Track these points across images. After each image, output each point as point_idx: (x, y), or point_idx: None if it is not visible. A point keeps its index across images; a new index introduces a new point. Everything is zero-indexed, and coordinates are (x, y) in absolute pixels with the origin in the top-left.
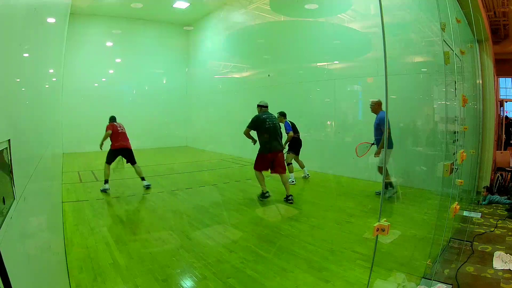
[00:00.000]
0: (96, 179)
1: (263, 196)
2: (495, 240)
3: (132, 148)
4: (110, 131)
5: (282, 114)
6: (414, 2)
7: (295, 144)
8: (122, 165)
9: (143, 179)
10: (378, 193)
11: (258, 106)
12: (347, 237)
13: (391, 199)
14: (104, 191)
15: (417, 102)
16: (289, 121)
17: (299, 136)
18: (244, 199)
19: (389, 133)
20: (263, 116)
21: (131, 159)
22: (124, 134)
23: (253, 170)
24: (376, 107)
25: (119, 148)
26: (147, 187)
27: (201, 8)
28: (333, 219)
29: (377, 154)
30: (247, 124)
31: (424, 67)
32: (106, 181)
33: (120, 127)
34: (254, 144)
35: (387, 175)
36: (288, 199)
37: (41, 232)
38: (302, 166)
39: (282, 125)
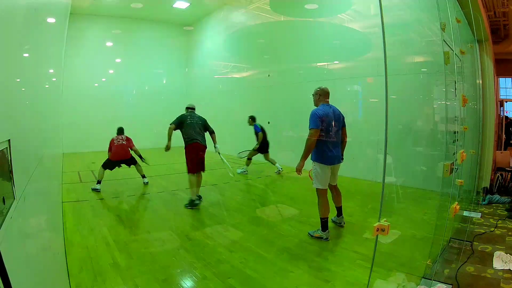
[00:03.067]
0: (96, 179)
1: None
2: (495, 240)
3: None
4: (110, 152)
5: (252, 118)
6: (414, 2)
7: (262, 144)
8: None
9: (143, 176)
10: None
11: (186, 108)
12: (347, 237)
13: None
14: (95, 190)
15: (417, 102)
16: (258, 124)
17: (265, 137)
18: (244, 199)
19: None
20: (186, 114)
21: (132, 163)
22: (121, 146)
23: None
24: (316, 97)
25: (117, 160)
26: (146, 183)
27: (201, 8)
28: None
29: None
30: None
31: (424, 67)
32: (98, 182)
33: (118, 139)
34: (167, 150)
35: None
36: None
37: (41, 232)
38: (274, 163)
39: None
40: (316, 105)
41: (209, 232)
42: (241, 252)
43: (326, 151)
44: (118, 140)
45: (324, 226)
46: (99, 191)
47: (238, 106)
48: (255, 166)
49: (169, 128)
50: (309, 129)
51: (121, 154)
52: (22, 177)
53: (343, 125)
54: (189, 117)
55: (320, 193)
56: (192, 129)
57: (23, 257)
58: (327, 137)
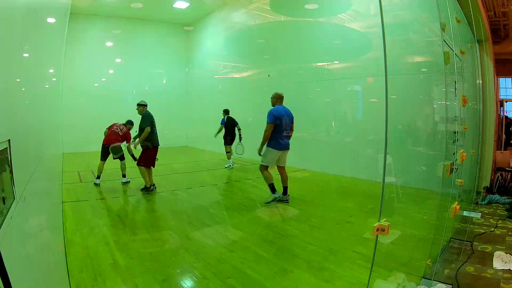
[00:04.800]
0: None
1: (147, 189)
2: (495, 240)
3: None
4: (106, 130)
5: (224, 111)
6: (414, 2)
7: (227, 135)
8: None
9: (124, 176)
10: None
11: (141, 105)
12: (347, 237)
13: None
14: (96, 185)
15: (417, 102)
16: (230, 117)
17: (233, 130)
18: (244, 199)
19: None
20: (151, 114)
21: (119, 157)
22: (115, 133)
23: (139, 167)
24: (274, 100)
25: (106, 145)
26: (125, 183)
27: (201, 8)
28: (333, 219)
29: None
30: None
31: (424, 67)
32: (98, 177)
33: (118, 127)
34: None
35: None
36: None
37: (41, 232)
38: (229, 157)
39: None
40: (273, 105)
41: (209, 232)
42: (241, 252)
43: (278, 140)
44: (117, 127)
45: (273, 188)
46: (99, 185)
47: (238, 106)
48: (256, 166)
49: (147, 131)
50: (266, 124)
51: (111, 139)
52: (22, 177)
53: (292, 122)
54: (153, 117)
55: (265, 169)
56: (156, 132)
57: (23, 257)
58: (280, 130)
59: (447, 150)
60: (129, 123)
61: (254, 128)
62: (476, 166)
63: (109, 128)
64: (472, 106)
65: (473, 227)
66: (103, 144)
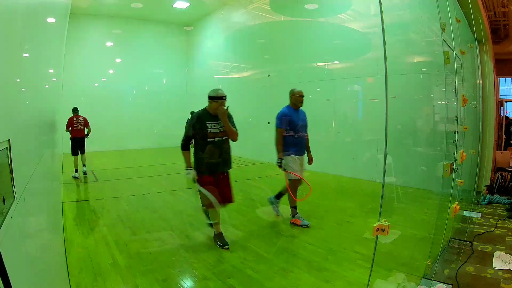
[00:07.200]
0: (96, 179)
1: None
2: (495, 240)
3: (85, 139)
4: (68, 130)
5: (191, 113)
6: (414, 2)
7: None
8: None
9: (83, 165)
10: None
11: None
12: (347, 237)
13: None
14: (75, 178)
15: (417, 102)
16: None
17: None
18: (244, 199)
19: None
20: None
21: (82, 149)
22: (80, 131)
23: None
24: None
25: (75, 137)
26: (84, 173)
27: (201, 8)
28: (333, 219)
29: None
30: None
31: (424, 67)
32: (76, 170)
33: (77, 124)
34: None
35: None
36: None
37: (41, 232)
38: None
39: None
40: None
41: (209, 232)
42: (241, 252)
43: None
44: (77, 124)
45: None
46: (78, 178)
47: (238, 106)
48: (256, 166)
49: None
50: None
51: (80, 133)
52: (22, 177)
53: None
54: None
55: None
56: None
57: (23, 257)
58: None
59: (447, 150)
60: (77, 110)
61: (254, 128)
62: (476, 166)
63: (70, 126)
64: (472, 106)
65: (473, 227)
66: (77, 137)
